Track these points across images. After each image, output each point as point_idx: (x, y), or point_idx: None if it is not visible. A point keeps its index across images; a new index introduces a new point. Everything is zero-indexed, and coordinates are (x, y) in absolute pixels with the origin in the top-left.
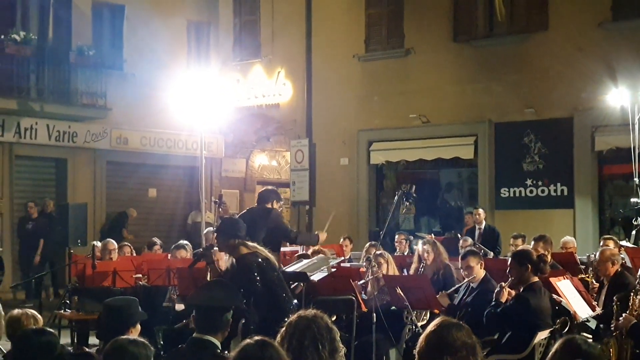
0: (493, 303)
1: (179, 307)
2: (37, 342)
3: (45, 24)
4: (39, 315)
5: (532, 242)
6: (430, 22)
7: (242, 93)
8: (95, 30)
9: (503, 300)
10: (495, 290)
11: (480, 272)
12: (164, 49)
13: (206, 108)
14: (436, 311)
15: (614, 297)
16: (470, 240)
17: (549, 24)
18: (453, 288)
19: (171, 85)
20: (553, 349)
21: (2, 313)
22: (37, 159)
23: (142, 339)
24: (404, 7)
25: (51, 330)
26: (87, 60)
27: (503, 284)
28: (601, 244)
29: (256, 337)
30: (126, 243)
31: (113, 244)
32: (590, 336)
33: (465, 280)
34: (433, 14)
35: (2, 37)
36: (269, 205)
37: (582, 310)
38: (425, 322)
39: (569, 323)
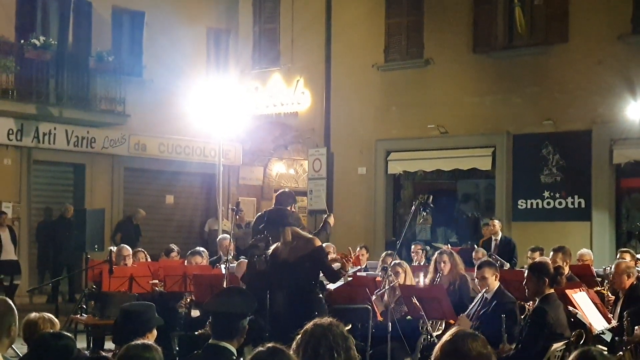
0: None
1: (195, 313)
2: (54, 346)
3: (65, 29)
4: (55, 319)
5: (551, 253)
6: (450, 32)
7: (260, 101)
8: (115, 36)
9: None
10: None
11: (494, 284)
12: (183, 56)
13: (224, 115)
14: (451, 321)
15: (625, 312)
16: (482, 252)
17: (568, 36)
18: (471, 306)
19: (190, 93)
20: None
21: (16, 315)
22: (55, 164)
23: (152, 343)
24: (424, 18)
25: (68, 334)
26: (107, 66)
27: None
28: (618, 256)
29: (268, 345)
30: (140, 249)
31: (128, 249)
32: (606, 349)
33: (481, 293)
34: (453, 25)
35: (22, 41)
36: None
37: (597, 322)
38: (440, 332)
39: (584, 335)
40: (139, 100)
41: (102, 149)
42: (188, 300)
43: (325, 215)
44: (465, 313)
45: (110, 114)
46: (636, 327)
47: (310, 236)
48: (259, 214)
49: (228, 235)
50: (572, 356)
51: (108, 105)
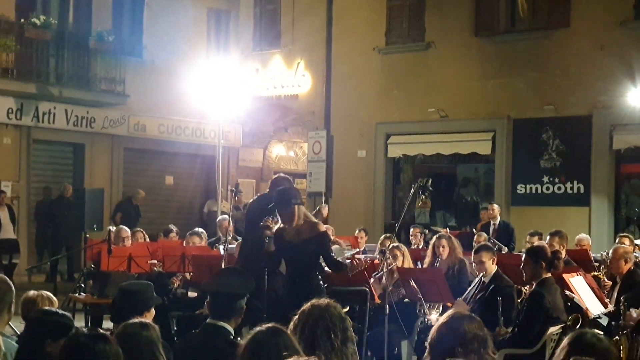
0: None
1: (193, 293)
2: (50, 323)
3: (66, 8)
4: (54, 298)
5: (548, 237)
6: (452, 16)
7: (261, 83)
8: (116, 16)
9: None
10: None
11: (491, 268)
12: (184, 37)
13: (225, 97)
14: (449, 304)
15: (622, 298)
16: (484, 236)
17: (570, 21)
18: (468, 290)
19: (190, 73)
20: (562, 343)
21: (13, 291)
22: (54, 143)
23: (150, 322)
24: (426, 0)
25: (64, 312)
26: (107, 46)
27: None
28: (617, 241)
29: (267, 325)
30: (139, 229)
31: (127, 231)
32: (602, 333)
33: (479, 277)
34: (455, 8)
35: (22, 20)
36: None
37: (594, 306)
38: (437, 314)
39: (581, 319)
40: (139, 80)
41: (102, 129)
42: (180, 279)
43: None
44: (463, 297)
45: (110, 94)
46: (631, 310)
47: (316, 220)
48: (259, 195)
49: (227, 216)
50: (566, 339)
51: (108, 85)
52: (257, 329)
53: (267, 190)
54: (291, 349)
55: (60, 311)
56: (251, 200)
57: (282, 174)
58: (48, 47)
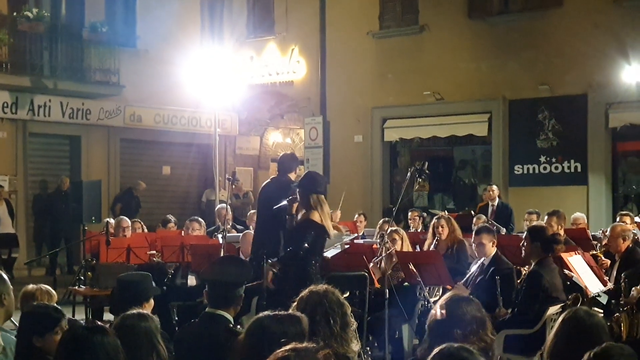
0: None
1: (191, 281)
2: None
3: (58, 0)
4: (53, 291)
5: (546, 217)
6: None
7: (256, 70)
8: (108, 7)
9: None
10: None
11: (491, 250)
12: (178, 25)
13: (220, 85)
14: (448, 287)
15: (622, 274)
16: (483, 218)
17: (563, 0)
18: (468, 274)
19: (185, 62)
20: (558, 323)
21: (10, 285)
22: (50, 136)
23: (148, 313)
24: None
25: (53, 305)
26: (100, 37)
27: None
28: (617, 219)
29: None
30: (137, 220)
31: (127, 221)
32: (602, 311)
33: (480, 261)
34: None
35: (15, 14)
36: (292, 176)
37: (593, 285)
38: (437, 297)
39: (580, 299)
40: (133, 70)
41: (98, 121)
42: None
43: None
44: (463, 280)
45: (105, 85)
46: (633, 289)
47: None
48: (272, 177)
49: (226, 205)
50: (560, 318)
51: (102, 76)
52: (261, 314)
53: (277, 170)
54: (294, 334)
55: (50, 304)
56: (265, 183)
57: (288, 152)
58: (41, 39)
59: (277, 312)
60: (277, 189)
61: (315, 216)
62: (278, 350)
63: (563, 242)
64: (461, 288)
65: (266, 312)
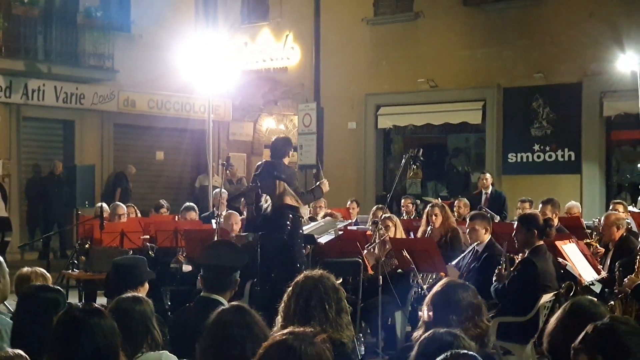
0: (495, 280)
1: (186, 268)
2: (42, 299)
3: None
4: (47, 274)
5: (540, 205)
6: None
7: (250, 56)
8: None
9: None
10: (495, 273)
11: (485, 237)
12: (172, 10)
13: (214, 71)
14: (442, 274)
15: (617, 263)
16: (464, 201)
17: None
18: (460, 257)
19: (179, 48)
20: (560, 311)
21: (6, 268)
22: (44, 120)
23: (143, 296)
24: None
25: (57, 287)
26: (95, 22)
27: (499, 266)
28: (610, 208)
29: (233, 303)
30: (130, 204)
31: (122, 208)
32: (596, 299)
33: (472, 246)
34: None
35: None
36: (285, 160)
37: (587, 273)
38: (431, 284)
39: (574, 287)
40: (127, 55)
41: (92, 105)
42: (184, 255)
43: (319, 182)
44: (454, 262)
45: (99, 70)
46: (628, 277)
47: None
48: (259, 163)
49: (224, 190)
50: (563, 306)
51: (97, 61)
52: (222, 307)
53: (270, 154)
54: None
55: (51, 286)
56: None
57: (281, 136)
58: (36, 23)
59: (238, 304)
60: (268, 165)
61: (288, 200)
62: (276, 334)
63: (557, 229)
64: (452, 270)
65: (231, 303)
